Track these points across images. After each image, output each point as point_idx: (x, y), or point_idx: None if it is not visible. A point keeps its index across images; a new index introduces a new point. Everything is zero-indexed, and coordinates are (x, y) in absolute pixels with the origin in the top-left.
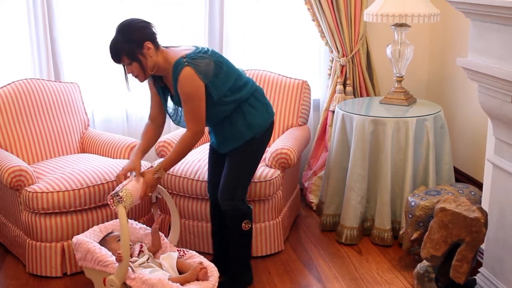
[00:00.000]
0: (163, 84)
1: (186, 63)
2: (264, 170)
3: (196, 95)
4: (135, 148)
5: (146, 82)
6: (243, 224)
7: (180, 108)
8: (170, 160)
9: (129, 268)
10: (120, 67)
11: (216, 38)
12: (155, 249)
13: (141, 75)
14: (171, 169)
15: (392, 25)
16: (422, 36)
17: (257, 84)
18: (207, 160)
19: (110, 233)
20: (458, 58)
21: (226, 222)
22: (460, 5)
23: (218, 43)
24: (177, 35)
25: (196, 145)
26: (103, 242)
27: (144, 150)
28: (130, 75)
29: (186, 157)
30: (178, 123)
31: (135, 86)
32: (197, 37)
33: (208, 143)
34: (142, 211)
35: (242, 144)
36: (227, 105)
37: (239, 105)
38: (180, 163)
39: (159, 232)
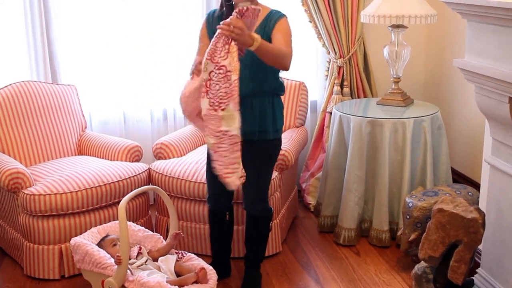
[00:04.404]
0: None
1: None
2: None
3: (291, 36)
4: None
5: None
6: (271, 223)
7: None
8: (268, 46)
9: (128, 270)
10: (117, 69)
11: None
12: (159, 255)
13: None
14: (169, 171)
15: (389, 26)
16: (419, 37)
17: None
18: (204, 162)
19: (106, 237)
20: (455, 59)
21: (230, 225)
22: (457, 6)
23: None
24: (175, 36)
25: (193, 147)
26: (98, 246)
27: None
28: None
29: (183, 159)
30: None
31: (136, 86)
32: (195, 37)
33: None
34: (141, 212)
35: (268, 143)
36: (274, 80)
37: (276, 95)
38: (177, 165)
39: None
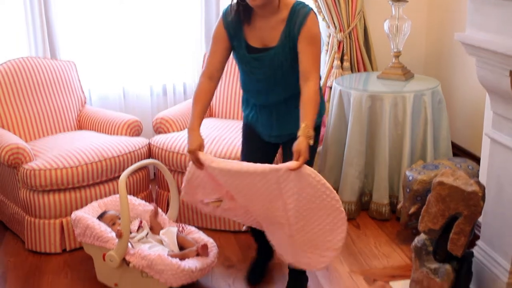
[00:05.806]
0: (240, 37)
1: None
2: None
3: (320, 39)
4: (190, 123)
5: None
6: None
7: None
8: (313, 116)
9: (129, 243)
10: (117, 45)
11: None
12: (156, 230)
13: None
14: (170, 146)
15: (390, 0)
16: (420, 11)
17: None
18: (207, 136)
19: (104, 213)
20: (456, 32)
21: None
22: None
23: None
24: (175, 12)
25: None
26: None
27: (201, 117)
28: None
29: (183, 133)
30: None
31: (135, 61)
32: (194, 12)
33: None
34: (141, 187)
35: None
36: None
37: None
38: (177, 139)
39: (159, 212)
